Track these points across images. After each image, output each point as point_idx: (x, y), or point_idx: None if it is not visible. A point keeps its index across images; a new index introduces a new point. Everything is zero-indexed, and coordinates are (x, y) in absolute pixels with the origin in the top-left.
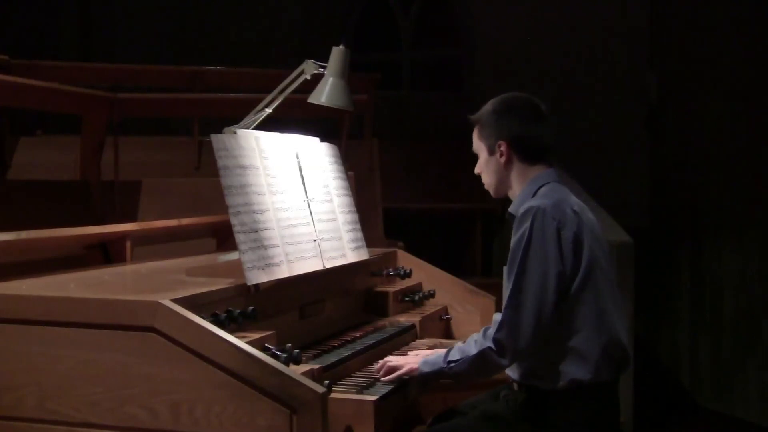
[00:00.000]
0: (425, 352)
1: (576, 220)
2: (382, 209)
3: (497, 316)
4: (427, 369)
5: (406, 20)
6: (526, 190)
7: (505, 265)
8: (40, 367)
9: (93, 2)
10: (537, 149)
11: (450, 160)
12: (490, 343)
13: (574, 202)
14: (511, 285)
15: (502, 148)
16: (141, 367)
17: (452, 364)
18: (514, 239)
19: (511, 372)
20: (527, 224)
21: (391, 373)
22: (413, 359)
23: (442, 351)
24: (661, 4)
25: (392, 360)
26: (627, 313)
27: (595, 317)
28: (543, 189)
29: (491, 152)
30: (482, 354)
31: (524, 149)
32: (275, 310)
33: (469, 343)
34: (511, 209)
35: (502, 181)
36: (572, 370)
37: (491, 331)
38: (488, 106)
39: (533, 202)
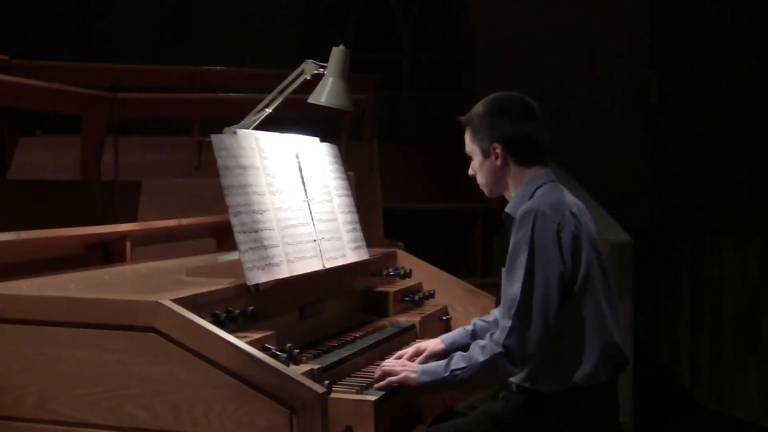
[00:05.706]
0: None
1: (574, 222)
2: (382, 209)
3: (496, 312)
4: (426, 379)
5: (406, 20)
6: (523, 191)
7: (503, 266)
8: (40, 367)
9: (93, 2)
10: (532, 149)
11: (450, 160)
12: (500, 348)
13: (573, 203)
14: (516, 291)
15: (497, 150)
16: (141, 367)
17: (457, 372)
18: (513, 241)
19: None
20: (528, 228)
21: (384, 379)
22: (410, 367)
23: (441, 361)
24: (661, 4)
25: (387, 365)
26: (627, 313)
27: (592, 319)
28: (541, 190)
29: (486, 155)
30: (493, 360)
31: (519, 150)
32: (275, 310)
33: (474, 350)
34: (508, 209)
35: (498, 182)
36: (571, 373)
37: (499, 337)
38: (479, 107)
39: (532, 204)
